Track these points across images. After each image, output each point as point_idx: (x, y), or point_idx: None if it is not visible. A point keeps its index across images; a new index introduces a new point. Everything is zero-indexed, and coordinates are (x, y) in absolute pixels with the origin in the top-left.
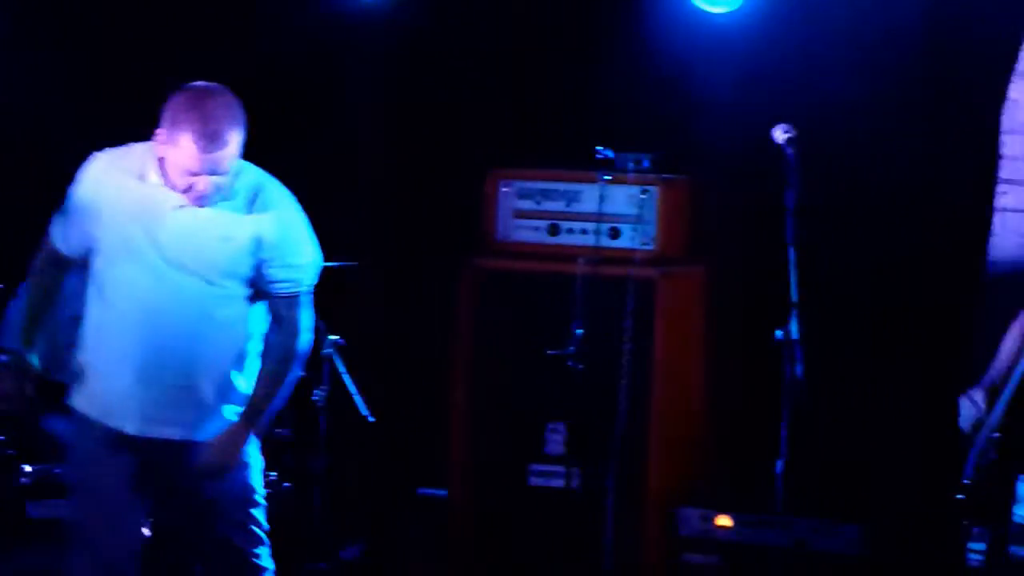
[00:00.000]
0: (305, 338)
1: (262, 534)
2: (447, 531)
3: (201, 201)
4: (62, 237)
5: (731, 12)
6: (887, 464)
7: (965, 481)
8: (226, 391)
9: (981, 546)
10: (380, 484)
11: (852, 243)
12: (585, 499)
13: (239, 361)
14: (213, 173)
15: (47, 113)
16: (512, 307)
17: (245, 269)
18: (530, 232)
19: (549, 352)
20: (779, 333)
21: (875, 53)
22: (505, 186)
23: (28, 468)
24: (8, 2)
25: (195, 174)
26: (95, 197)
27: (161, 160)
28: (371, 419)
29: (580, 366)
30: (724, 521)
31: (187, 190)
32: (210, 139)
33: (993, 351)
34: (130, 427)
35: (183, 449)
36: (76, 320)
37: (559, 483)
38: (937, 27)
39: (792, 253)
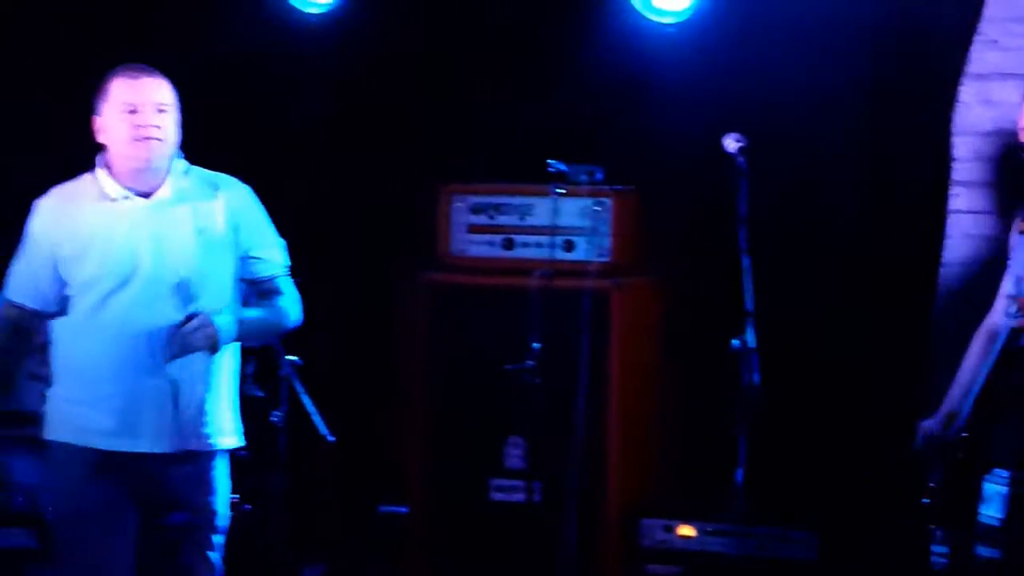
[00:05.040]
0: (298, 310)
1: (218, 563)
2: (409, 549)
3: (152, 152)
4: (31, 294)
5: (679, 22)
6: (845, 471)
7: (931, 484)
8: (204, 406)
9: (945, 548)
10: (341, 503)
11: (805, 250)
12: (546, 513)
13: (216, 378)
14: (153, 105)
15: None
16: (468, 322)
17: (228, 263)
18: (484, 247)
19: (507, 366)
20: (735, 342)
21: (824, 59)
22: (458, 201)
23: None
24: None
25: (134, 111)
26: (55, 240)
27: (107, 168)
28: (331, 438)
29: (538, 380)
30: (686, 531)
31: (137, 143)
32: (137, 70)
33: (949, 357)
34: (118, 444)
35: (165, 463)
36: (39, 349)
37: (520, 498)
38: (886, 31)
39: (746, 261)
